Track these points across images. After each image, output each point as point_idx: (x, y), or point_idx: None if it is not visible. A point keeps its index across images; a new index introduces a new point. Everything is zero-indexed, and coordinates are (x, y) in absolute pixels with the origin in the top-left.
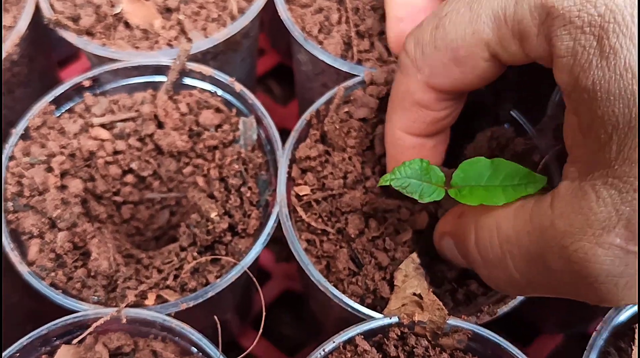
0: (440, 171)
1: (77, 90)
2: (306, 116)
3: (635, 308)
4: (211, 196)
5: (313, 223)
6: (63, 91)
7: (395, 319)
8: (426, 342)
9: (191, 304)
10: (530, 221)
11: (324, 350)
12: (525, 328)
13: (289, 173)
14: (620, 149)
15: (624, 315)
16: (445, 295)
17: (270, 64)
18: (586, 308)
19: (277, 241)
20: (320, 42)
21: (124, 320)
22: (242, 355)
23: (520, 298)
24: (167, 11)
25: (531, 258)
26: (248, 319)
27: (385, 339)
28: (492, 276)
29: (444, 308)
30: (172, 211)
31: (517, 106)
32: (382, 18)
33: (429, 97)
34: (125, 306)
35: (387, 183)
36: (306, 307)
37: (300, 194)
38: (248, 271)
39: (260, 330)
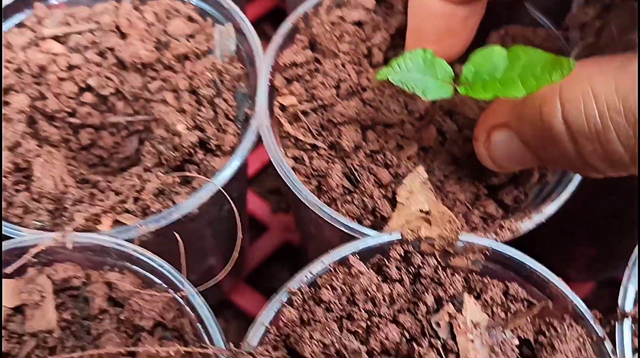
0: (447, 65)
1: (27, 2)
2: (292, 18)
3: None
4: (181, 110)
5: (301, 137)
6: (10, 1)
7: (397, 235)
8: (435, 262)
9: (152, 227)
10: None
11: (311, 273)
12: None
13: (271, 81)
14: None
15: None
16: (457, 218)
17: (264, 9)
18: (613, 251)
19: (274, 191)
20: None
21: (70, 246)
22: None
23: (549, 211)
24: None
25: None
26: (242, 274)
27: (385, 260)
28: (584, 152)
29: (456, 219)
30: (142, 138)
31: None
32: None
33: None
34: (74, 231)
35: (385, 78)
36: (304, 255)
37: (285, 104)
38: (222, 190)
39: None
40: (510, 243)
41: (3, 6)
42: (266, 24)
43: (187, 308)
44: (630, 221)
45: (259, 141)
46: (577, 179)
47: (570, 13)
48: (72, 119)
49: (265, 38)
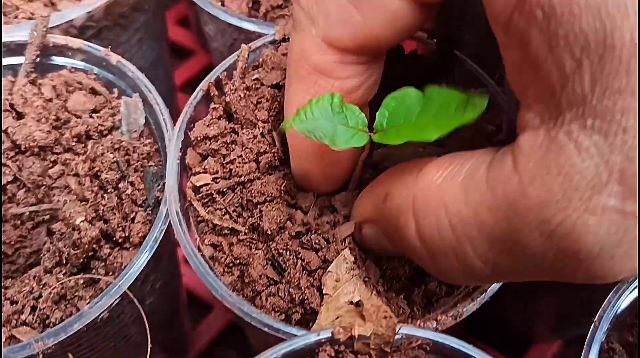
0: (359, 110)
1: None
2: (203, 85)
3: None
4: (83, 199)
5: (217, 221)
6: None
7: (326, 334)
8: None
9: (50, 343)
10: (491, 193)
11: None
12: (519, 338)
13: (182, 158)
14: (595, 78)
15: (627, 300)
16: (397, 298)
17: (201, 67)
18: (580, 306)
19: None
20: (222, 1)
21: None
22: None
23: (493, 288)
24: None
25: (497, 239)
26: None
27: None
28: (442, 267)
29: (392, 315)
30: (50, 229)
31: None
32: None
33: (329, 60)
34: None
35: (290, 126)
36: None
37: (198, 185)
38: (128, 291)
39: None
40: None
41: None
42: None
43: None
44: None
45: None
46: None
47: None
48: None
49: None
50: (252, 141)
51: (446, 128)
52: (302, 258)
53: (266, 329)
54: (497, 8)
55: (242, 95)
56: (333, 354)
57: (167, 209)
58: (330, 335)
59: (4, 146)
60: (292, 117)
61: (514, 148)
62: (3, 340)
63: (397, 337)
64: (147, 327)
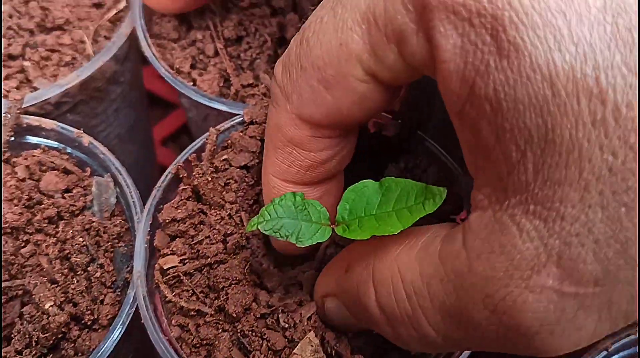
0: (320, 205)
1: None
2: (171, 168)
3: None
4: (53, 281)
5: (184, 304)
6: None
7: None
8: None
9: None
10: (442, 266)
11: None
12: None
13: (151, 241)
14: (538, 169)
15: None
16: None
17: (182, 121)
18: None
19: None
20: (193, 80)
21: None
22: None
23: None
24: (9, 58)
25: (448, 310)
26: None
27: None
28: (401, 335)
29: None
30: (24, 302)
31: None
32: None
33: (303, 134)
34: None
35: (255, 228)
36: None
37: (165, 267)
38: None
39: None
40: None
41: None
42: (185, 136)
43: None
44: None
45: None
46: None
47: None
48: None
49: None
50: (220, 222)
51: (409, 221)
52: (268, 338)
53: None
54: (451, 98)
55: (210, 179)
56: None
57: (133, 295)
58: None
59: None
60: (257, 217)
61: (464, 225)
62: None
63: None
64: None
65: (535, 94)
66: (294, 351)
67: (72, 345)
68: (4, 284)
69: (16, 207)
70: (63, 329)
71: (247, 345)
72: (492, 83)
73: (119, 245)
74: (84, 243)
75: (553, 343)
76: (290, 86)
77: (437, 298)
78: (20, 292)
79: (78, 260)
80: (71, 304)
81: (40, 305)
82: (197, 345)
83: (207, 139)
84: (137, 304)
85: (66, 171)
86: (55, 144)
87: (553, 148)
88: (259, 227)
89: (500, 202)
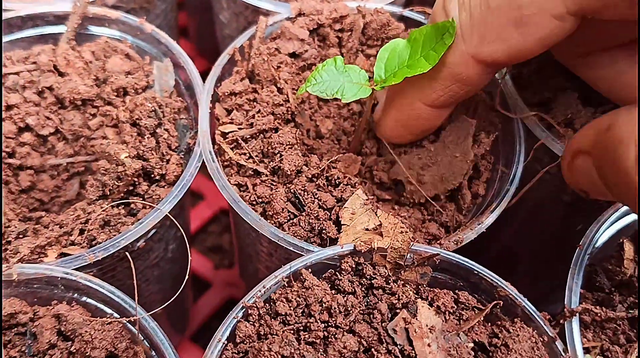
0: (360, 69)
1: None
2: (229, 50)
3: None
4: (123, 142)
5: (243, 163)
6: None
7: (349, 247)
8: (385, 271)
9: (100, 256)
10: None
11: (264, 287)
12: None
13: (212, 109)
14: None
15: (605, 235)
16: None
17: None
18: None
19: (216, 248)
20: None
21: (15, 278)
22: None
23: (488, 222)
24: None
25: None
26: (186, 332)
27: (337, 273)
28: None
29: (407, 230)
30: (82, 181)
31: None
32: None
33: (472, 72)
34: (18, 262)
35: (304, 91)
36: None
37: (226, 131)
38: (170, 215)
39: None
40: None
41: None
42: None
43: (141, 336)
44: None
45: (197, 199)
46: (510, 192)
47: None
48: (11, 160)
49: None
50: (271, 95)
51: (435, 59)
52: (319, 198)
53: (292, 248)
54: None
55: (265, 59)
56: (353, 265)
57: (199, 151)
58: (352, 248)
59: (47, 102)
60: (305, 83)
61: None
62: (55, 257)
63: (408, 256)
64: (188, 247)
65: None
66: (344, 205)
67: (141, 198)
68: (67, 160)
69: (87, 81)
70: (135, 180)
71: (302, 200)
72: None
73: (180, 117)
74: (153, 107)
75: None
76: (469, 27)
77: None
78: (81, 169)
79: (147, 123)
80: (141, 159)
81: (114, 156)
82: (254, 202)
83: (257, 28)
84: (204, 159)
85: (128, 57)
86: (117, 34)
87: None
88: (308, 89)
89: None
